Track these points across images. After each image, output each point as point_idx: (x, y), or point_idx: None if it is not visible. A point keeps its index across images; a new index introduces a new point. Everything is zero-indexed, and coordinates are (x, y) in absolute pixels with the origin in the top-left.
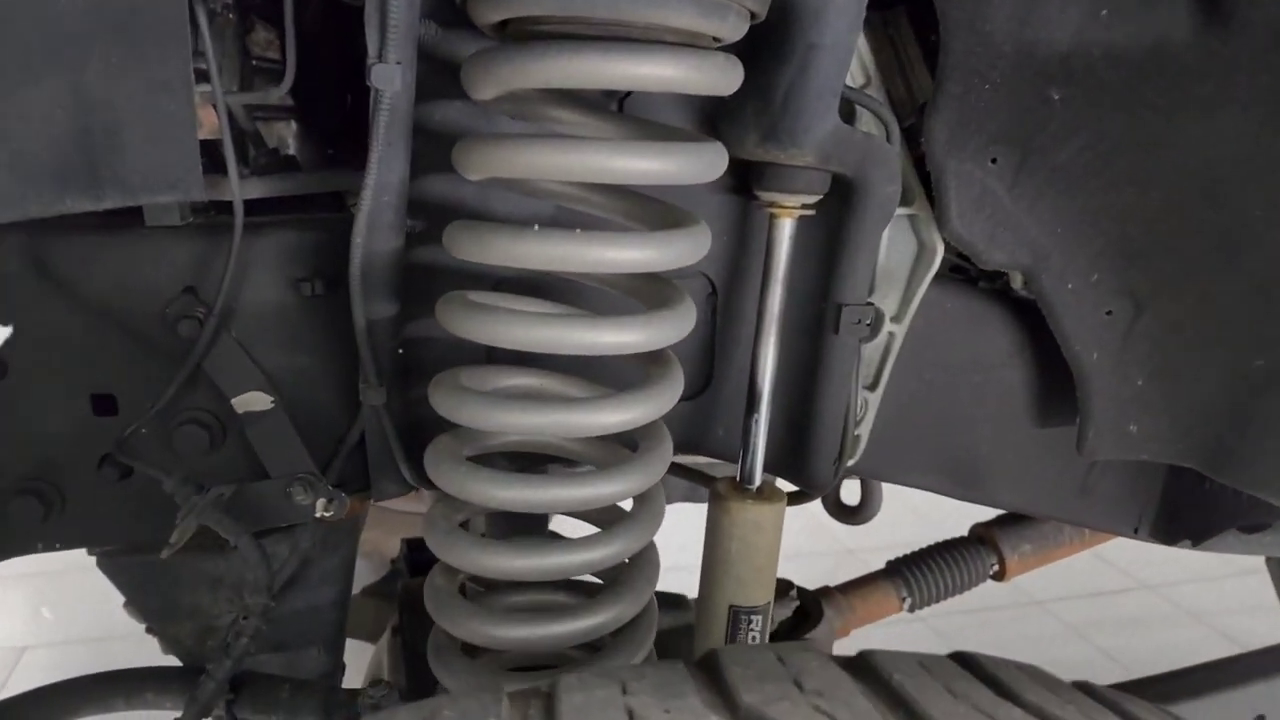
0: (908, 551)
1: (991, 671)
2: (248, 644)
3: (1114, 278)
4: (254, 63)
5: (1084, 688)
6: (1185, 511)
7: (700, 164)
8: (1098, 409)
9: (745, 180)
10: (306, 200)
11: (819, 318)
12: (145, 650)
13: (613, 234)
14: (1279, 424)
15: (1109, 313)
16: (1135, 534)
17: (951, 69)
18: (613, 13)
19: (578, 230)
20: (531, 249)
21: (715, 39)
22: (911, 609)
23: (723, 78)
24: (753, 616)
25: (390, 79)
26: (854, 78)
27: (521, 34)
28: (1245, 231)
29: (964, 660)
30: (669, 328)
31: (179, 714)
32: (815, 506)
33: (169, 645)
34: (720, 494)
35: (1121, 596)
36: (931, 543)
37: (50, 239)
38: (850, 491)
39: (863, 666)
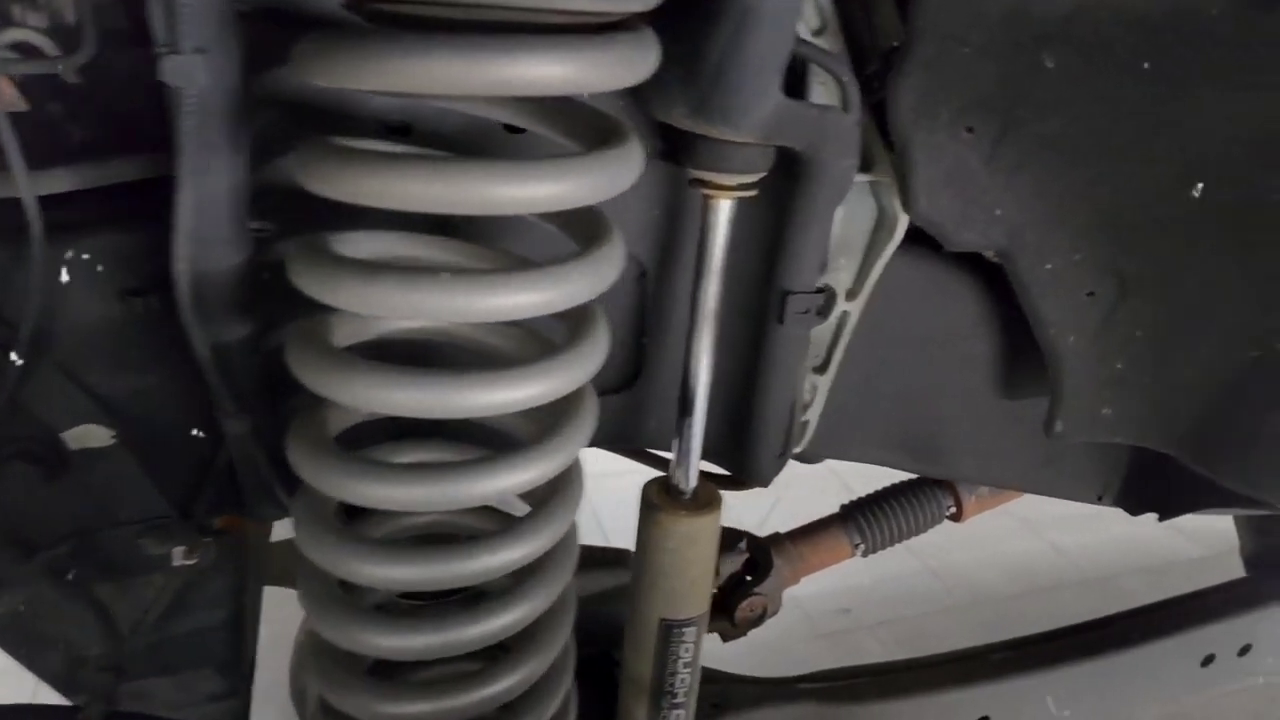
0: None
1: None
2: None
3: (1099, 257)
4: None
5: None
6: (1153, 485)
7: (605, 182)
8: (1070, 392)
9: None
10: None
11: (762, 303)
12: None
13: (495, 277)
14: (1270, 416)
15: (1090, 294)
16: (1099, 501)
17: (922, 30)
18: None
19: (444, 274)
20: (395, 297)
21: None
22: (864, 554)
23: (629, 69)
24: (685, 629)
25: (189, 74)
26: (807, 23)
27: (370, 10)
28: (1262, 217)
29: None
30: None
31: None
32: None
33: (41, 677)
34: (651, 502)
35: None
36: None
37: None
38: None
39: None
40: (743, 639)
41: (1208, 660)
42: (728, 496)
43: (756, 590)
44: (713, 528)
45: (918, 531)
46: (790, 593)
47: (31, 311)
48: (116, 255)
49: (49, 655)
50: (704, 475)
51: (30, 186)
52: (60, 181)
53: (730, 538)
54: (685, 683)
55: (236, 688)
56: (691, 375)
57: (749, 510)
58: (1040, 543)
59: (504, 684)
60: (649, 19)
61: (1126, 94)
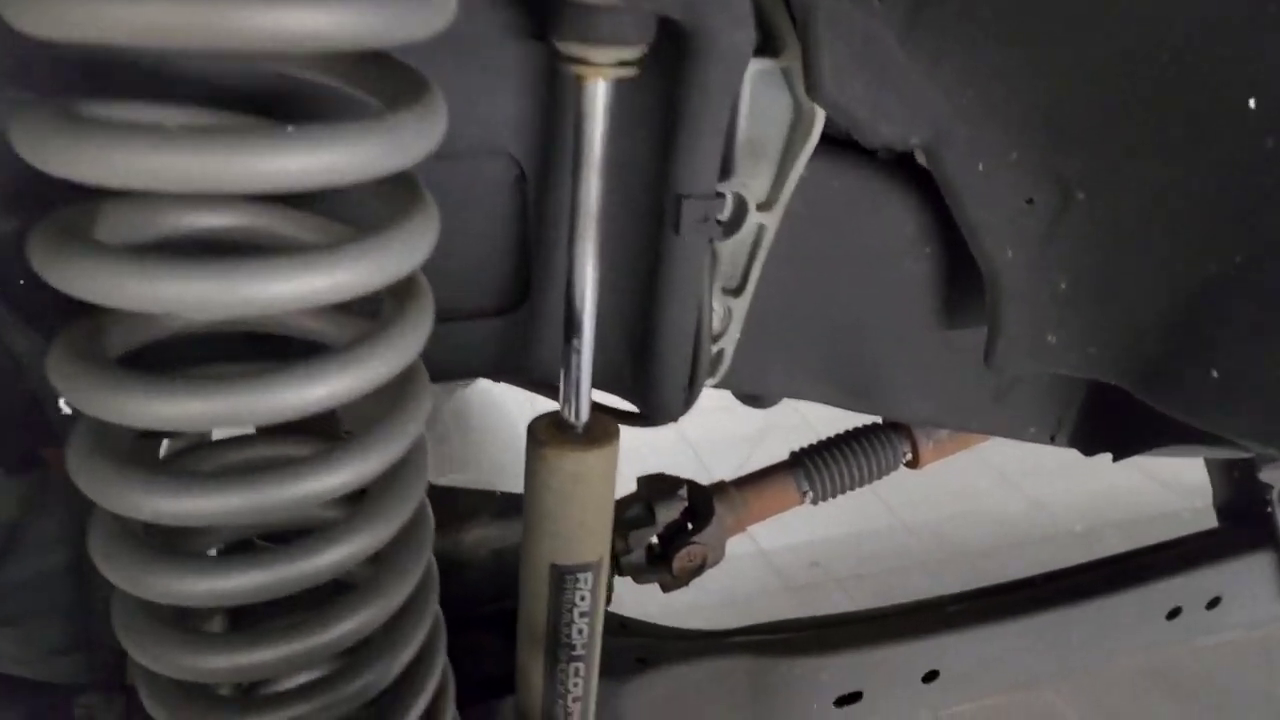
0: None
1: None
2: None
3: (1038, 158)
4: None
5: None
6: (1109, 422)
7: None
8: (1010, 315)
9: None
10: None
11: (657, 211)
12: None
13: (246, 135)
14: (1229, 340)
15: (1029, 201)
16: (1052, 441)
17: None
18: None
19: (175, 130)
20: (108, 155)
21: None
22: (814, 502)
23: None
24: (580, 575)
25: None
26: None
27: None
28: (1221, 109)
29: None
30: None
31: None
32: None
33: None
34: (537, 437)
35: None
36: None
37: None
38: None
39: None
40: (710, 592)
41: (1174, 613)
42: (701, 449)
43: (695, 539)
44: (605, 465)
45: (872, 479)
46: (758, 545)
47: None
48: None
49: None
50: (609, 411)
51: None
52: None
53: (670, 485)
54: (584, 634)
55: (88, 640)
56: (576, 291)
57: (722, 462)
58: (1018, 496)
59: (340, 628)
60: None
61: None
